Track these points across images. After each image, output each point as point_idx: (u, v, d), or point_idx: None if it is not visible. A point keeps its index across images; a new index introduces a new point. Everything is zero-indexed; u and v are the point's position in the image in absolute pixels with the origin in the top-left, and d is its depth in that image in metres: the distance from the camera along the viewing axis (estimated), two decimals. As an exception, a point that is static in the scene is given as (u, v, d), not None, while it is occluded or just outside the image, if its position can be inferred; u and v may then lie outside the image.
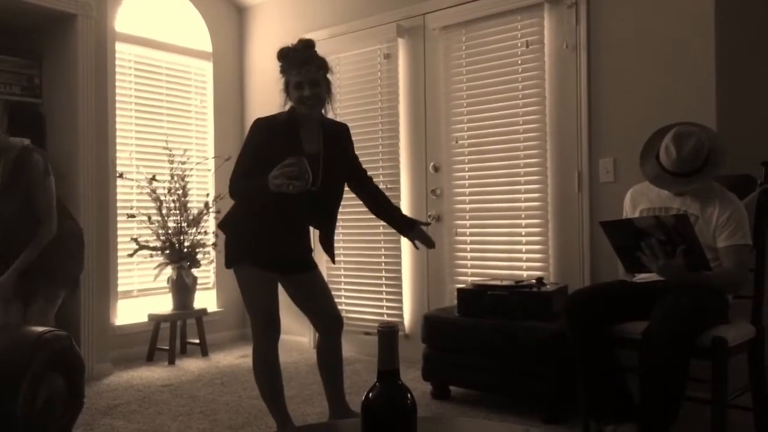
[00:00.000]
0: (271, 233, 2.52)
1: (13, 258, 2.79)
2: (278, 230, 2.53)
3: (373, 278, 4.24)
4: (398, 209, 2.86)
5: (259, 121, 2.57)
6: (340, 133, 2.70)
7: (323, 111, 2.64)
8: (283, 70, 2.55)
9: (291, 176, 2.25)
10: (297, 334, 4.66)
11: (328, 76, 2.56)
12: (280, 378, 2.64)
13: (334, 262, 2.80)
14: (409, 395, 1.10)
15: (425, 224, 2.79)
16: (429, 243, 2.75)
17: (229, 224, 2.61)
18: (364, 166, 2.85)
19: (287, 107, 2.58)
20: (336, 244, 2.99)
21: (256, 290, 2.55)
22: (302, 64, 2.47)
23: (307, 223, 2.71)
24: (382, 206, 2.82)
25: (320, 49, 2.63)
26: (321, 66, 2.52)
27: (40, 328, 2.28)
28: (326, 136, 2.62)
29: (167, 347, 4.22)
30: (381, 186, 4.14)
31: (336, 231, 2.80)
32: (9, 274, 2.77)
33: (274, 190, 2.29)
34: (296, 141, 2.52)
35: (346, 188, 2.77)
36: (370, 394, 1.10)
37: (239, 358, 4.36)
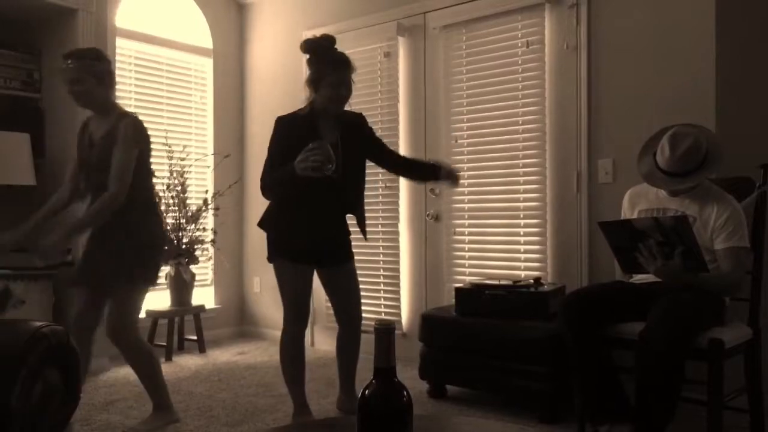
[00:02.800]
0: (304, 227, 2.69)
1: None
2: (311, 223, 2.69)
3: (371, 276, 4.24)
4: (421, 163, 3.01)
5: (280, 119, 2.74)
6: (356, 121, 2.86)
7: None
8: (318, 64, 2.65)
9: (315, 159, 2.40)
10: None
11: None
12: (301, 364, 2.83)
13: (366, 239, 2.95)
14: (405, 393, 1.10)
15: (445, 171, 2.89)
16: (455, 180, 2.90)
17: (266, 223, 2.78)
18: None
19: (307, 100, 2.73)
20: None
21: (288, 283, 2.76)
22: (342, 65, 2.64)
23: (339, 212, 2.83)
24: (408, 170, 3.00)
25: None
26: (353, 68, 2.70)
27: (37, 322, 2.27)
28: (343, 127, 2.77)
29: (164, 343, 4.22)
30: (380, 184, 4.21)
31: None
32: (57, 235, 2.53)
33: (301, 174, 2.43)
34: (316, 134, 2.65)
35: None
36: (367, 392, 1.10)
37: (236, 355, 4.36)
